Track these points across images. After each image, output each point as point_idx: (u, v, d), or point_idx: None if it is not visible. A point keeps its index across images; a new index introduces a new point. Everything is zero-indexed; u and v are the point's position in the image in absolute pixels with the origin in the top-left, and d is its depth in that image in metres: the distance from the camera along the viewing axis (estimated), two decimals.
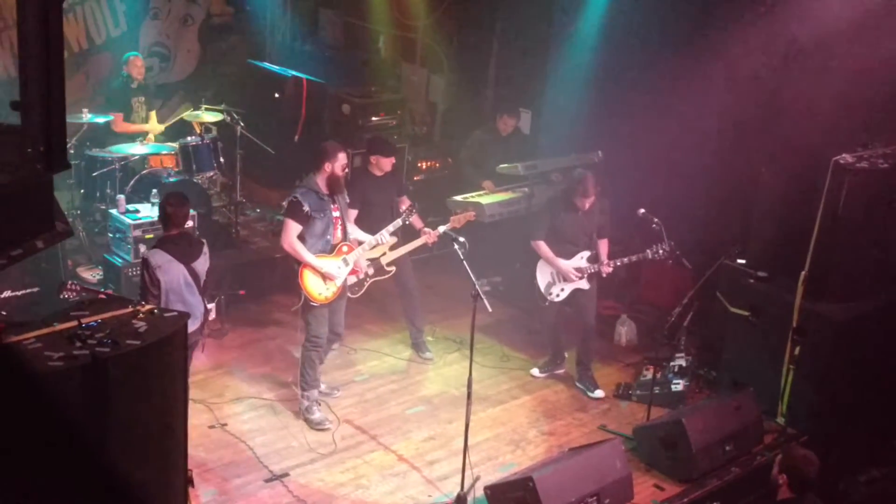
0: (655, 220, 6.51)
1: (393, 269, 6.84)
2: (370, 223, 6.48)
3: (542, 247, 6.67)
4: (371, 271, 6.71)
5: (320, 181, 5.95)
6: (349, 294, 6.49)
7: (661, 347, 6.81)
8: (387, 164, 6.64)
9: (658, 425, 6.14)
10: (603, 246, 6.74)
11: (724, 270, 6.97)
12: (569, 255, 6.71)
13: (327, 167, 5.92)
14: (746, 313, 6.75)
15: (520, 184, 7.94)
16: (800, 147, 6.56)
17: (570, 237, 6.67)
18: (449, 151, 9.01)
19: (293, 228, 5.87)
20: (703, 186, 7.72)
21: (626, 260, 6.64)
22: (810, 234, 6.26)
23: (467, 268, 5.52)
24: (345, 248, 6.10)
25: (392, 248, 6.76)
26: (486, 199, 7.81)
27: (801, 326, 6.31)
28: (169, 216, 5.50)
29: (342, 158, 5.96)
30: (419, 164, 9.01)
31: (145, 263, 5.39)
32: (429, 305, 7.69)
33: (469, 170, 8.11)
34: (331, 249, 6.06)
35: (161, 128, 8.24)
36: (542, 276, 6.79)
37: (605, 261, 6.63)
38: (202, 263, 5.53)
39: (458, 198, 7.78)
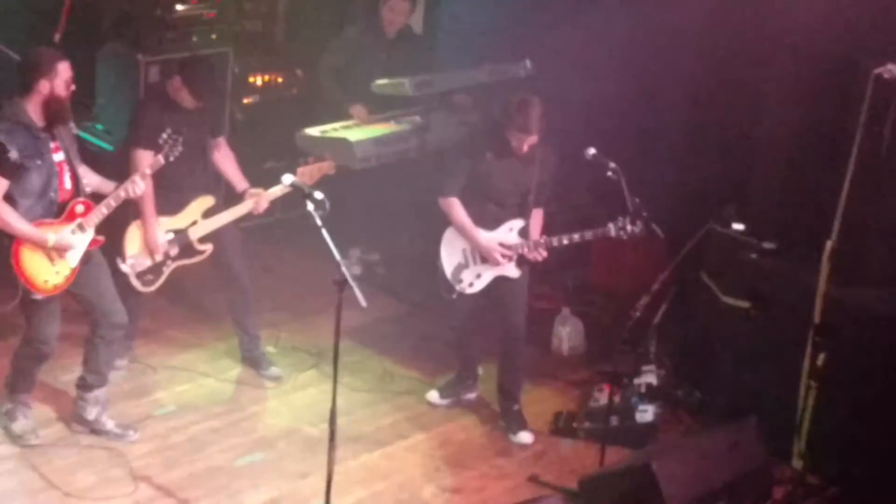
0: (612, 164, 6.54)
1: (209, 247, 6.88)
2: (167, 177, 6.47)
3: (455, 208, 6.71)
4: (174, 251, 6.75)
5: (31, 108, 5.90)
6: (139, 286, 6.62)
7: (620, 357, 6.87)
8: (190, 101, 6.72)
9: (617, 473, 6.18)
10: (535, 218, 6.84)
11: (713, 241, 7.08)
12: (492, 224, 6.76)
13: (43, 86, 5.88)
14: (746, 305, 6.86)
15: (408, 110, 8.08)
16: (817, 57, 6.77)
17: (497, 195, 6.73)
18: (298, 59, 9.10)
19: None
20: (680, 119, 7.93)
21: (574, 238, 6.69)
22: (840, 186, 6.32)
23: (328, 240, 5.51)
24: (79, 208, 6.09)
25: (207, 213, 6.81)
26: (356, 133, 7.87)
27: (826, 323, 6.37)
28: None
29: (64, 71, 5.93)
30: (251, 79, 8.95)
31: None
32: (269, 299, 7.82)
33: (331, 88, 8.19)
34: (57, 212, 6.04)
35: None
36: (449, 255, 6.83)
37: (538, 238, 6.70)
38: None
39: (314, 132, 7.83)
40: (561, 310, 8.01)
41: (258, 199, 6.77)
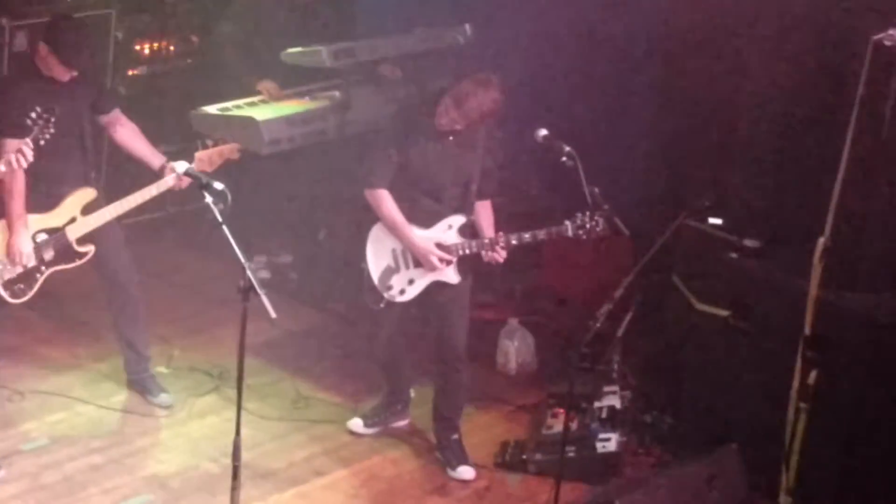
0: (566, 148, 6.55)
1: (90, 249, 6.85)
2: (38, 165, 6.26)
3: (384, 202, 6.70)
4: (48, 254, 6.70)
5: None
6: (6, 296, 6.58)
7: (577, 376, 6.73)
8: (61, 70, 6.61)
9: None
10: (484, 211, 6.87)
11: (686, 238, 7.13)
12: (428, 220, 6.77)
13: None
14: (724, 313, 6.91)
15: (325, 83, 8.14)
16: (807, 19, 6.84)
17: (433, 187, 6.74)
18: (193, 24, 9.05)
19: None
20: (649, 95, 8.04)
21: (524, 238, 6.70)
22: (833, 174, 6.23)
23: (230, 240, 5.53)
24: None
25: (87, 209, 6.77)
26: (263, 111, 7.90)
27: (818, 335, 6.33)
28: None
29: None
30: (137, 47, 8.92)
31: None
32: (161, 310, 7.78)
33: (234, 58, 8.27)
34: None
35: None
36: (377, 256, 6.84)
37: (494, 236, 6.70)
38: None
39: (213, 110, 7.86)
40: (507, 321, 8.06)
41: (177, 173, 6.61)
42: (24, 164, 6.04)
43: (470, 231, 6.82)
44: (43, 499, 6.42)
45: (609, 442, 6.98)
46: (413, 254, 6.76)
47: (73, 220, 6.74)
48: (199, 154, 6.71)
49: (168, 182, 6.67)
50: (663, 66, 8.09)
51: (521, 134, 6.95)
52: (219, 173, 6.47)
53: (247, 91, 8.10)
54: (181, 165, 6.43)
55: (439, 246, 6.73)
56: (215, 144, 6.85)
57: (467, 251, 6.73)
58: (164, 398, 7.30)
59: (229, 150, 6.88)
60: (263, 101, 8.04)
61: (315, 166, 8.19)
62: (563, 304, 8.31)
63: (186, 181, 6.52)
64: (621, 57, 8.23)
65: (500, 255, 6.67)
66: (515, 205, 7.80)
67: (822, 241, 6.32)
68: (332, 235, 8.36)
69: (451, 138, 6.63)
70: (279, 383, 7.61)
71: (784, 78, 7.03)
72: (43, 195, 6.64)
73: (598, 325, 6.57)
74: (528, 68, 8.09)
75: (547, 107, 7.60)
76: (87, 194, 6.76)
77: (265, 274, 8.28)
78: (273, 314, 5.51)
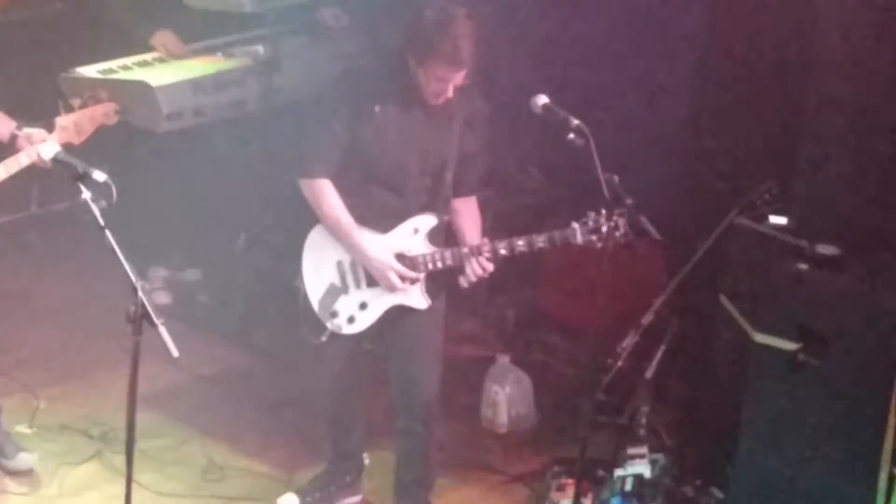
0: (574, 122, 6.41)
1: None
2: None
3: (326, 196, 6.67)
4: None
5: None
6: None
7: (592, 434, 6.66)
8: None
9: None
10: (465, 210, 6.86)
11: (740, 244, 7.12)
12: (386, 223, 6.73)
13: None
14: (791, 345, 6.84)
15: (244, 35, 8.22)
16: None
17: (393, 175, 6.71)
18: None
19: None
20: (689, 58, 8.15)
21: (518, 245, 6.63)
22: None
23: (116, 250, 5.51)
24: None
25: None
26: (160, 73, 7.92)
27: None
28: None
29: None
30: None
31: None
32: (18, 344, 7.87)
33: (118, 3, 8.35)
34: None
35: None
36: (316, 271, 6.83)
37: (480, 244, 6.65)
38: None
39: (90, 71, 7.91)
40: (496, 359, 8.05)
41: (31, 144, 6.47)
42: None
43: (444, 237, 6.79)
44: None
45: None
46: (366, 268, 6.72)
47: None
48: (61, 120, 6.59)
49: (25, 158, 6.49)
50: (710, 24, 8.16)
51: (513, 105, 6.99)
52: (100, 157, 6.19)
53: (138, 46, 8.10)
54: (49, 149, 6.23)
55: (401, 257, 6.68)
56: (84, 105, 6.72)
57: (440, 264, 6.68)
58: (23, 459, 7.24)
59: (103, 111, 6.74)
60: (160, 60, 8.03)
61: (231, 149, 8.23)
62: (572, 334, 8.27)
63: (47, 156, 6.30)
64: (657, 6, 8.25)
65: (486, 270, 6.59)
66: (506, 201, 7.90)
67: None
68: (256, 243, 8.33)
69: (419, 110, 6.59)
70: (184, 447, 7.55)
71: (869, 41, 7.01)
72: None
73: (619, 363, 6.72)
74: (523, 16, 8.14)
75: (549, 71, 7.63)
76: None
77: (164, 297, 8.34)
78: (175, 352, 5.43)
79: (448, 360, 7.13)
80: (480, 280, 6.67)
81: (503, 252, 6.60)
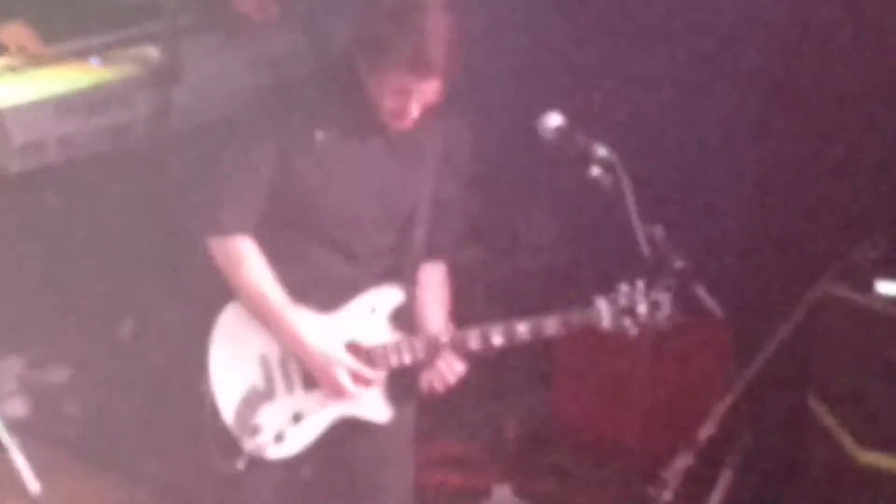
0: (601, 151, 5.92)
1: None
2: None
3: (245, 260, 6.03)
4: None
5: None
6: None
7: None
8: None
9: None
10: (433, 282, 6.24)
11: (835, 323, 6.80)
12: (331, 298, 6.09)
13: None
14: None
15: (130, 32, 7.93)
16: None
17: (340, 228, 6.09)
18: None
19: None
20: (752, 72, 7.91)
21: (519, 331, 5.97)
22: None
23: None
24: None
25: None
26: (8, 85, 7.63)
27: None
28: None
29: None
30: None
31: None
32: None
33: None
34: None
35: None
36: (231, 368, 6.14)
37: (438, 332, 6.04)
38: None
39: None
40: (491, 490, 7.64)
41: None
42: None
43: (413, 318, 6.15)
44: None
45: None
46: (301, 363, 5.95)
47: None
48: None
49: None
50: (782, 38, 7.82)
51: (513, 129, 7.07)
52: None
53: None
54: None
55: (353, 348, 5.97)
56: None
57: (407, 359, 5.98)
58: None
59: None
60: (10, 68, 7.54)
61: (111, 194, 7.66)
62: (596, 455, 7.86)
63: None
64: (696, 12, 7.93)
65: (451, 373, 6.00)
66: (502, 264, 7.86)
67: None
68: (146, 329, 7.87)
69: (376, 138, 5.92)
70: None
71: None
72: None
73: (668, 493, 6.44)
74: (528, 16, 7.93)
75: (564, 79, 7.59)
76: None
77: (19, 406, 7.78)
78: (34, 486, 5.32)
79: (424, 493, 7.10)
80: (448, 387, 6.08)
81: (497, 342, 5.88)
